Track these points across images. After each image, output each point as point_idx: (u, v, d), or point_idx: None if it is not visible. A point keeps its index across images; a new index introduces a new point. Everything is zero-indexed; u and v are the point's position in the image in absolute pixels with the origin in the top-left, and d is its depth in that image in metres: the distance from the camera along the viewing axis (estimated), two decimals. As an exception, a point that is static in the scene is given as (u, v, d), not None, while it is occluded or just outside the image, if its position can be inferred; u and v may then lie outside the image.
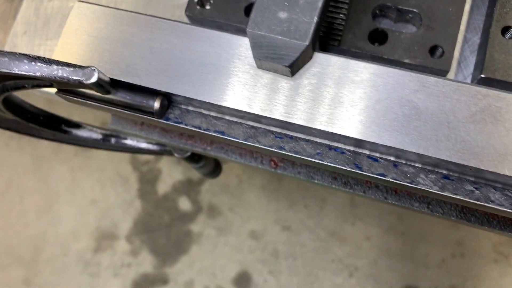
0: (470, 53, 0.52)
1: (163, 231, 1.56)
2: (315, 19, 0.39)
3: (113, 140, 0.58)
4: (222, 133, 0.44)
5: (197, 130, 0.44)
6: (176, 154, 0.63)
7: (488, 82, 0.47)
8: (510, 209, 0.40)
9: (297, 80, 0.41)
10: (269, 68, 0.41)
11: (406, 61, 0.47)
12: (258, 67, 0.42)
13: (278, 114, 0.41)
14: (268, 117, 0.42)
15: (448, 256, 1.44)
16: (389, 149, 0.40)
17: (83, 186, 1.62)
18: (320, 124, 0.40)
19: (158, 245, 1.55)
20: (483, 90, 0.39)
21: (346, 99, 0.40)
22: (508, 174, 0.38)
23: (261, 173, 1.58)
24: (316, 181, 0.54)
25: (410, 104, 0.39)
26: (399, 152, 0.41)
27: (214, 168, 0.71)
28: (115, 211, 1.59)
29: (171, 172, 1.61)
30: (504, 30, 0.47)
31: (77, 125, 0.60)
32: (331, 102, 0.41)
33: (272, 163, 0.54)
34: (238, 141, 0.44)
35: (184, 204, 1.58)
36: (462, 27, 0.51)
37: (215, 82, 0.42)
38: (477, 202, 0.40)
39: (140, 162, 1.62)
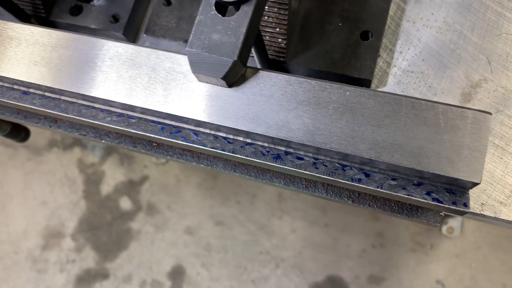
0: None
1: (105, 229, 1.66)
2: None
3: None
4: None
5: None
6: None
7: (152, 40, 0.60)
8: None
9: None
10: None
11: (93, 26, 0.61)
12: None
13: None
14: None
15: (369, 246, 1.51)
16: None
17: (35, 188, 1.74)
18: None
19: (100, 242, 1.65)
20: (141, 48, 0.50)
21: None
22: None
23: (197, 172, 1.68)
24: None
25: None
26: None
27: (15, 131, 0.78)
28: (62, 211, 1.70)
29: (114, 174, 1.71)
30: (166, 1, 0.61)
31: None
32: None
33: None
34: None
35: (125, 203, 1.68)
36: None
37: None
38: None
39: (86, 165, 1.73)
